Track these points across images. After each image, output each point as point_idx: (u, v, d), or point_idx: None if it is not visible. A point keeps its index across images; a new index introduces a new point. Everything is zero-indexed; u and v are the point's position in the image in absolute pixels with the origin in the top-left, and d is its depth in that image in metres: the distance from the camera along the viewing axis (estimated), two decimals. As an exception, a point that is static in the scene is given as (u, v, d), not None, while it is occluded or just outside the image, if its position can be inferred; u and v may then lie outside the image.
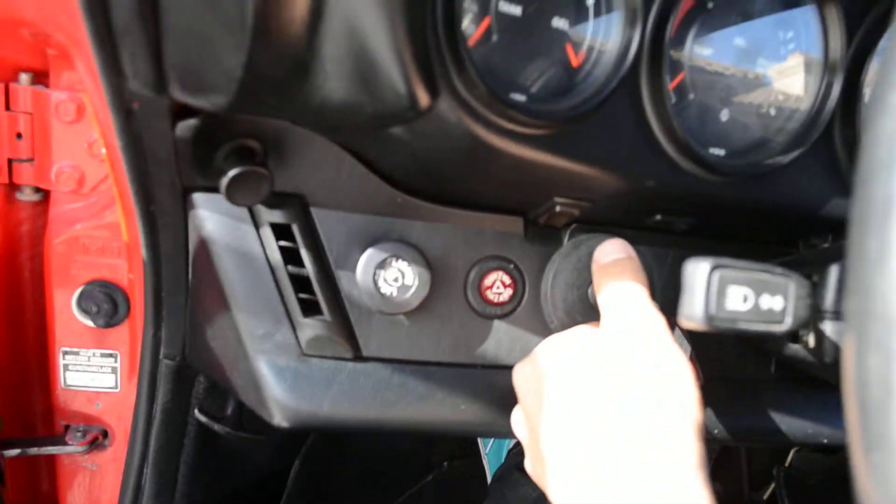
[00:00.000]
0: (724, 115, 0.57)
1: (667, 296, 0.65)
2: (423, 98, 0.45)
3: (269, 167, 0.55)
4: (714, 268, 0.38)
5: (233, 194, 0.52)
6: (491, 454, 1.25)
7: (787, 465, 1.39)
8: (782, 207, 0.59)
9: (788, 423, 0.67)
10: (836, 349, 0.52)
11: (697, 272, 0.38)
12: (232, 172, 0.51)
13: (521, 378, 0.56)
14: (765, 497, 1.54)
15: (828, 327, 0.53)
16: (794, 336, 0.57)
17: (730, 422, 0.66)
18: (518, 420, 0.58)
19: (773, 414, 0.67)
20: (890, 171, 0.27)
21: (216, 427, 0.77)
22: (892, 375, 0.25)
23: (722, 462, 1.53)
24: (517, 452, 1.12)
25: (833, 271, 0.53)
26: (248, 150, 0.54)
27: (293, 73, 0.46)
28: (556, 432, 0.49)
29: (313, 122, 0.53)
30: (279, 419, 0.59)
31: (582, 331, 0.55)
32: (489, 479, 1.15)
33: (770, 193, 0.58)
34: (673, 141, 0.53)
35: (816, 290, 0.50)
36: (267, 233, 0.57)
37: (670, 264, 0.66)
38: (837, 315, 0.51)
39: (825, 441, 0.68)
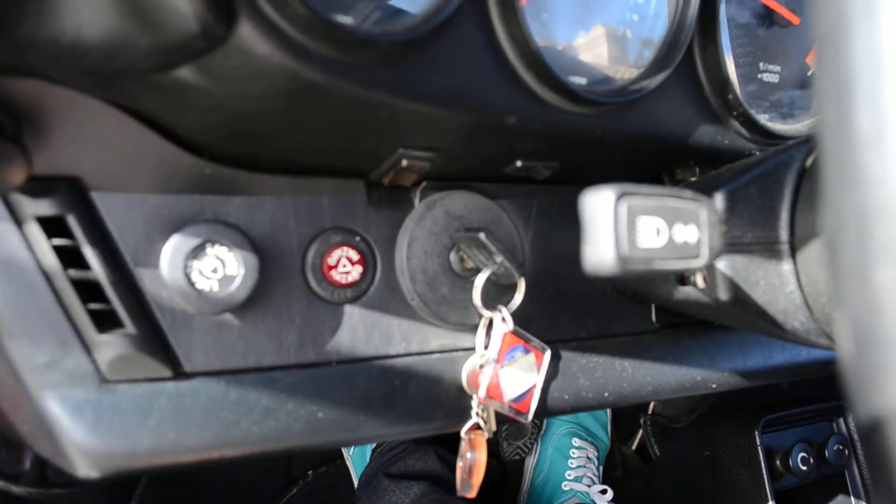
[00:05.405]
0: (582, 39, 0.50)
1: (537, 249, 0.58)
2: (214, 20, 0.34)
3: (25, 143, 0.41)
4: (620, 196, 0.29)
5: (-27, 182, 0.39)
6: (355, 456, 1.15)
7: (650, 412, 1.40)
8: (650, 138, 0.53)
9: (677, 374, 0.62)
10: (732, 284, 0.47)
11: (600, 204, 0.29)
12: (-34, 153, 0.38)
13: None
14: (633, 447, 1.55)
15: (719, 262, 0.47)
16: (681, 278, 0.51)
17: (619, 383, 0.59)
18: None
19: (662, 367, 0.61)
20: (872, 20, 0.19)
21: (14, 489, 0.61)
22: None
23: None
24: (382, 452, 1.04)
25: (718, 199, 0.47)
26: (-11, 122, 0.41)
27: (26, 1, 0.33)
28: None
29: (71, 74, 0.40)
30: (85, 468, 0.46)
31: None
32: (356, 483, 1.06)
33: (637, 123, 0.52)
34: (532, 67, 0.45)
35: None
36: (33, 230, 0.43)
37: (535, 216, 0.58)
38: (731, 247, 0.46)
39: (714, 386, 0.63)
